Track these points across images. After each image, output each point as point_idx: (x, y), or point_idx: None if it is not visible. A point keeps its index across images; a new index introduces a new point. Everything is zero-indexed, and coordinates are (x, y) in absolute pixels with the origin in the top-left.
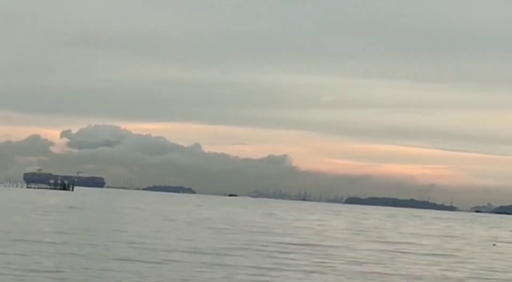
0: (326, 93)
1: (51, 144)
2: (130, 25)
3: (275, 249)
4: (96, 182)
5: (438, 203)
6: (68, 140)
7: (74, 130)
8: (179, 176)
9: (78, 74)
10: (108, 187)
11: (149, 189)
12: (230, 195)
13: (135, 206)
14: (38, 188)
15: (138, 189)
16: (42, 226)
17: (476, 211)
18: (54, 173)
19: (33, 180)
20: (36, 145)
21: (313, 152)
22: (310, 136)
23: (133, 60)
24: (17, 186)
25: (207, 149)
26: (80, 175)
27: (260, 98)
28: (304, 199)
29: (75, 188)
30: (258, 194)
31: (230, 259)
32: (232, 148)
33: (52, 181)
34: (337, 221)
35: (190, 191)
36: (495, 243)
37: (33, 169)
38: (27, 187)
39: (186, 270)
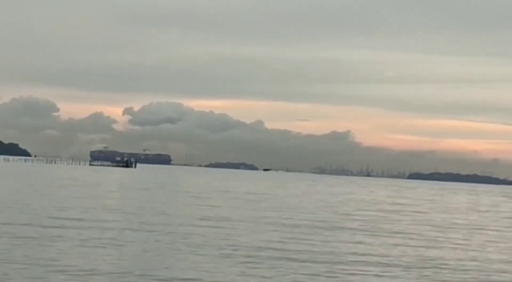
0: (388, 68)
1: (114, 121)
2: (194, 2)
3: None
4: (162, 159)
5: (501, 177)
6: (130, 117)
7: (136, 107)
8: (241, 153)
9: (139, 52)
10: (172, 164)
11: (211, 165)
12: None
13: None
14: (100, 165)
15: (200, 165)
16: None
17: None
18: (121, 151)
19: (99, 157)
20: (98, 122)
21: (375, 128)
22: (373, 112)
23: (196, 37)
24: (80, 164)
25: (269, 125)
26: (147, 152)
27: (323, 75)
28: (368, 175)
29: (138, 165)
30: (320, 170)
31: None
32: (294, 124)
33: (118, 158)
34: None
35: (252, 167)
36: None
37: (99, 146)
38: (90, 164)
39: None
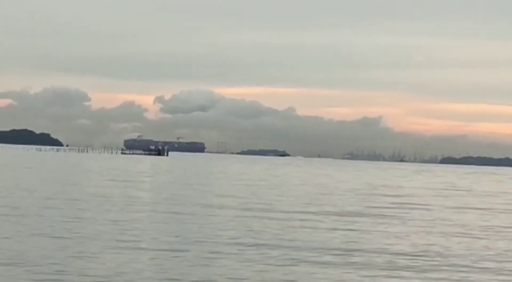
0: (419, 53)
1: (145, 110)
2: None
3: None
4: (196, 147)
5: None
6: (162, 106)
7: (167, 96)
8: (273, 139)
9: (170, 41)
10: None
11: (243, 153)
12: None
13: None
14: (132, 153)
15: (232, 153)
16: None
17: None
18: (154, 139)
19: (133, 146)
20: (130, 111)
21: (407, 113)
22: (404, 97)
23: (227, 24)
24: (112, 152)
25: (301, 112)
26: (181, 140)
27: (354, 60)
28: (402, 160)
29: (171, 153)
30: (352, 156)
31: None
32: (325, 110)
33: (152, 147)
34: None
35: (284, 154)
36: None
37: (133, 135)
38: (122, 153)
39: None
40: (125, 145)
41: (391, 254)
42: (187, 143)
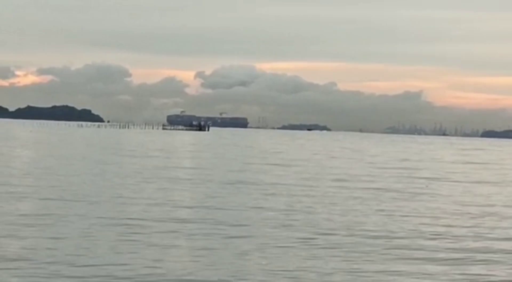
0: (459, 27)
1: (186, 85)
2: None
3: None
4: (239, 123)
5: None
6: (202, 81)
7: (208, 71)
8: (314, 114)
9: (210, 15)
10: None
11: (284, 127)
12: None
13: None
14: (174, 129)
15: (273, 128)
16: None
17: None
18: (198, 115)
19: (176, 121)
20: (170, 87)
21: (448, 87)
22: (445, 71)
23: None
24: (153, 128)
25: (342, 86)
26: (224, 115)
27: (394, 34)
28: (444, 134)
29: (213, 128)
30: (393, 130)
31: None
32: (366, 84)
33: (195, 123)
34: None
35: (325, 128)
36: None
37: (176, 111)
38: (163, 129)
39: None
40: (168, 121)
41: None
42: (230, 118)
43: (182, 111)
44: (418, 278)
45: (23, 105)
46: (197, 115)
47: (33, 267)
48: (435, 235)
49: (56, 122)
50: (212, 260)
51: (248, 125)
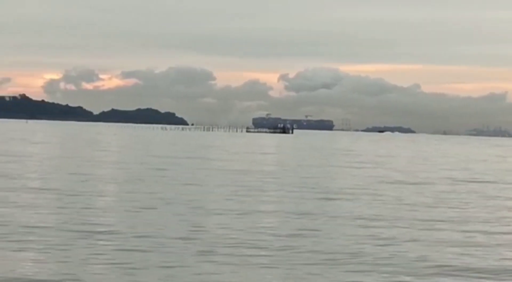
0: None
1: (269, 88)
2: None
3: None
4: (325, 125)
5: None
6: (286, 84)
7: (292, 74)
8: (397, 116)
9: (293, 18)
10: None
11: (367, 130)
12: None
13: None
14: (257, 132)
15: (356, 130)
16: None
17: None
18: (283, 117)
19: (262, 124)
20: (254, 89)
21: None
22: None
23: (351, 2)
24: (237, 131)
25: (426, 88)
26: (309, 118)
27: (479, 36)
28: None
29: (297, 131)
30: (477, 132)
31: None
32: (451, 86)
33: (281, 125)
34: None
35: (409, 131)
36: None
37: (261, 113)
38: (247, 131)
39: None
40: (253, 123)
41: None
42: (315, 121)
43: (267, 114)
44: None
45: (107, 109)
46: (283, 117)
47: None
48: None
49: (140, 125)
50: None
51: (334, 127)
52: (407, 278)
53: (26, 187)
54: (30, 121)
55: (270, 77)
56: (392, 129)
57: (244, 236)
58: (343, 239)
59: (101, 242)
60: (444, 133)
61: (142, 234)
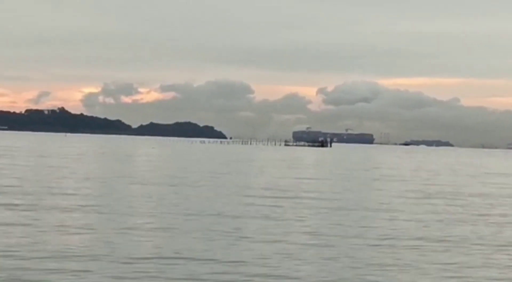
0: None
1: (308, 101)
2: None
3: None
4: (365, 139)
5: None
6: (325, 97)
7: (330, 87)
8: (436, 130)
9: (332, 32)
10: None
11: (406, 143)
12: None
13: None
14: (296, 145)
15: (395, 144)
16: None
17: None
18: (323, 131)
19: (302, 138)
20: (293, 103)
21: None
22: None
23: (389, 15)
24: (275, 144)
25: (465, 102)
26: (349, 131)
27: None
28: None
29: (336, 145)
30: None
31: None
32: (490, 100)
33: (321, 139)
34: None
35: (447, 144)
36: None
37: (302, 127)
38: (285, 145)
39: None
40: (293, 137)
41: None
42: (356, 135)
43: (308, 128)
44: None
45: (145, 122)
46: (323, 131)
47: None
48: None
49: (179, 138)
50: None
51: (374, 141)
52: None
53: None
54: (69, 135)
55: (308, 91)
56: (431, 143)
57: None
58: None
59: None
60: (482, 147)
61: None
